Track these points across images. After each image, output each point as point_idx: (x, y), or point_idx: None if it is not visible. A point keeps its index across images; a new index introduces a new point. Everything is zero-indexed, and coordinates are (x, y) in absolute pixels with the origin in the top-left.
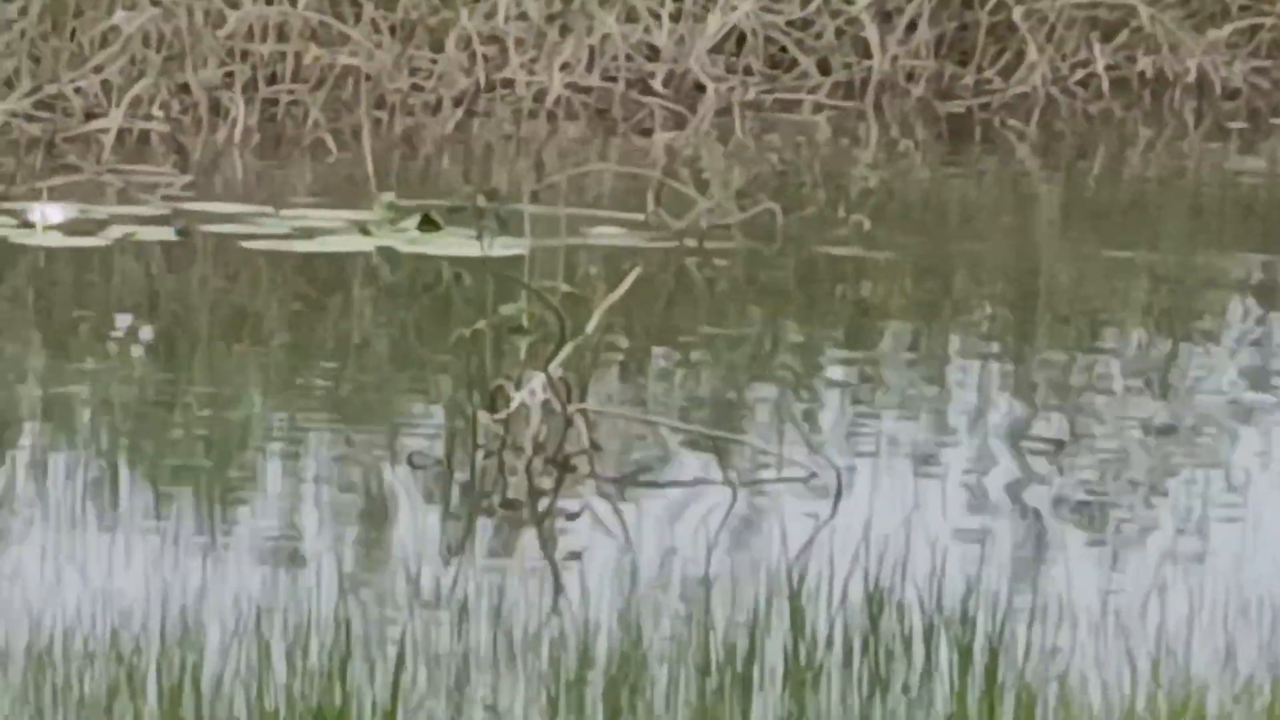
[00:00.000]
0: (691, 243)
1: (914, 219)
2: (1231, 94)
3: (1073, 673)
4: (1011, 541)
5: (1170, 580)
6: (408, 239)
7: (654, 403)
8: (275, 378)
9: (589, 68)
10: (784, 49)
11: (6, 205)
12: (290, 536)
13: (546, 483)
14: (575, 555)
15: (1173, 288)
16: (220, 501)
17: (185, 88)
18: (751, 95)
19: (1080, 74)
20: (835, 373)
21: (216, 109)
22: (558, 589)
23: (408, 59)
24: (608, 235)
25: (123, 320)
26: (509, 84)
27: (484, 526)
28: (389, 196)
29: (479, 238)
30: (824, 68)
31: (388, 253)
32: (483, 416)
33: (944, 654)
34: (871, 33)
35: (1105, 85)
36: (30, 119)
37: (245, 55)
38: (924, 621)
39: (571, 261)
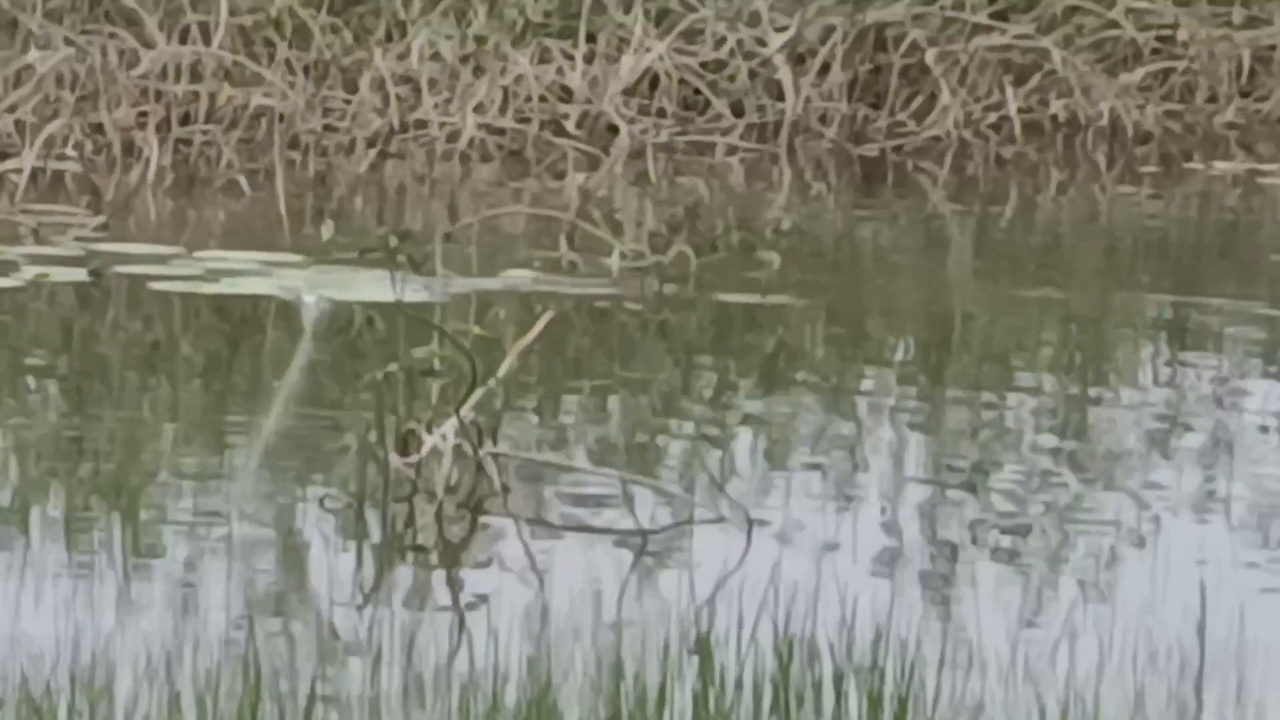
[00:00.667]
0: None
1: (827, 260)
2: (1144, 138)
3: (982, 719)
4: (922, 586)
5: (1080, 626)
6: (315, 283)
7: (566, 446)
8: (186, 420)
9: (502, 109)
10: (697, 91)
11: None
12: (201, 580)
13: (458, 527)
14: (486, 599)
15: (1084, 327)
16: (130, 544)
17: (99, 128)
18: (665, 137)
19: (993, 117)
20: (747, 416)
21: (130, 149)
22: (468, 633)
23: (321, 99)
24: (521, 279)
25: (33, 362)
26: (423, 125)
27: (395, 570)
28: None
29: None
30: (737, 110)
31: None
32: (394, 460)
33: (854, 701)
34: (785, 75)
35: (1018, 128)
36: None
37: (159, 95)
38: (834, 668)
39: (483, 305)
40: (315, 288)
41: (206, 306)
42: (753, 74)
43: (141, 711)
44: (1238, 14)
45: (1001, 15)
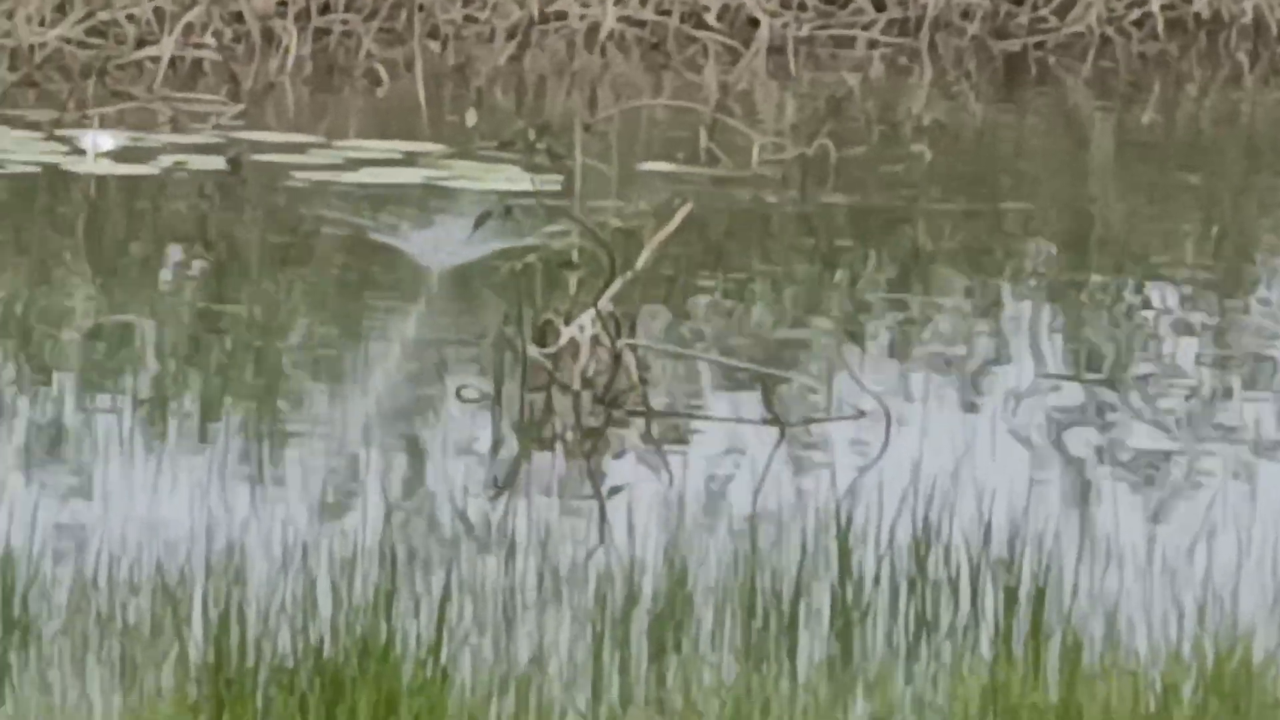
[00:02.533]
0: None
1: (969, 156)
2: None
3: (1119, 616)
4: (1060, 484)
5: (1219, 525)
6: (457, 171)
7: (704, 339)
8: (325, 310)
9: (643, 1)
10: None
11: (58, 132)
12: (338, 470)
13: (594, 419)
14: (622, 491)
15: (1228, 225)
16: (269, 433)
17: (238, 16)
18: (805, 31)
19: (1136, 13)
20: (888, 311)
21: (269, 37)
22: (604, 525)
23: None
24: (660, 170)
25: (174, 249)
26: (563, 16)
27: (531, 461)
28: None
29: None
30: (879, 4)
31: (434, 185)
32: (532, 351)
33: (990, 596)
34: None
35: (1160, 25)
36: (82, 45)
37: None
38: (970, 563)
39: (623, 196)
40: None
41: (343, 194)
42: None
43: (277, 600)
44: None
45: None
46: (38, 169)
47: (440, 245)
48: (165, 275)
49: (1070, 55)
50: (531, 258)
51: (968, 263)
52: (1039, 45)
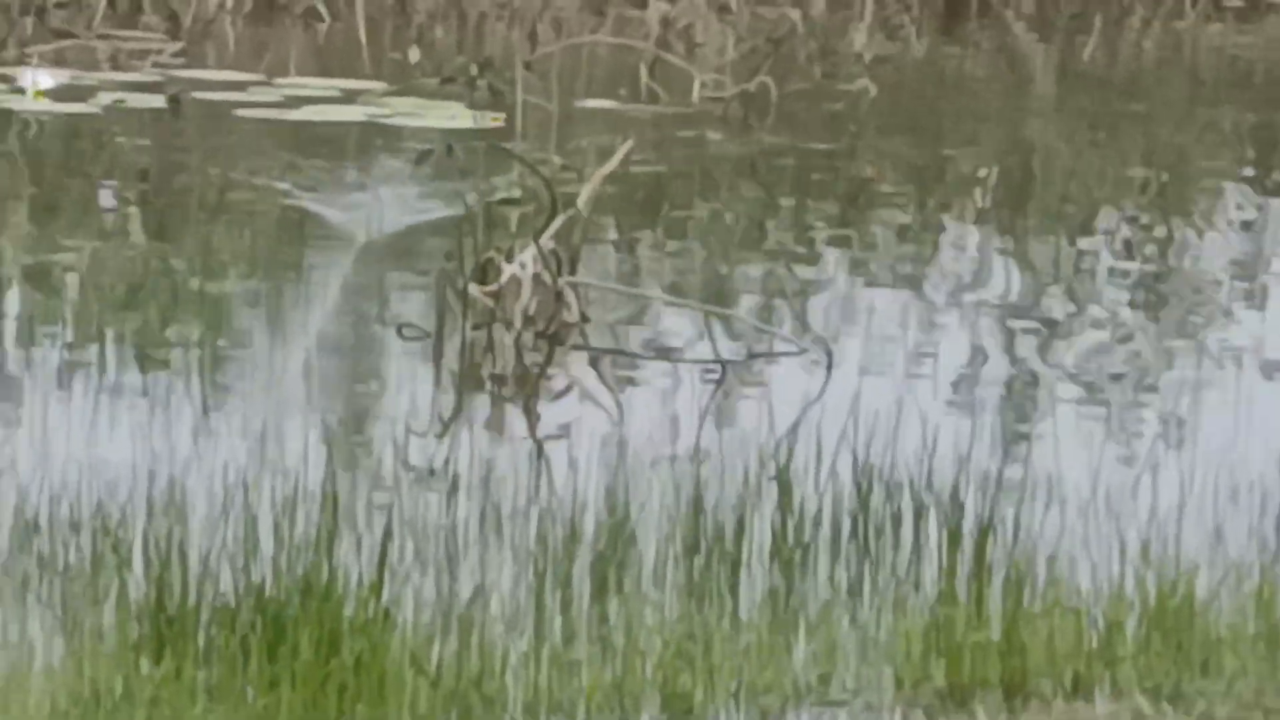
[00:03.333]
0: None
1: (910, 91)
2: None
3: (1062, 554)
4: (1002, 420)
5: (1161, 462)
6: (398, 109)
7: (645, 276)
8: (264, 247)
9: None
10: None
11: None
12: (278, 409)
13: (536, 356)
14: (564, 429)
15: (1168, 157)
16: (208, 371)
17: None
18: None
19: None
20: (827, 249)
21: None
22: (545, 464)
23: None
24: (601, 107)
25: (111, 188)
26: None
27: (473, 400)
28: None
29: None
30: None
31: (376, 124)
32: (473, 289)
33: (933, 533)
34: None
35: None
36: None
37: None
38: (913, 500)
39: (563, 134)
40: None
41: (287, 133)
42: None
43: (218, 539)
44: None
45: None
46: None
47: (371, 210)
48: (105, 215)
49: None
50: (472, 196)
51: (911, 200)
52: None
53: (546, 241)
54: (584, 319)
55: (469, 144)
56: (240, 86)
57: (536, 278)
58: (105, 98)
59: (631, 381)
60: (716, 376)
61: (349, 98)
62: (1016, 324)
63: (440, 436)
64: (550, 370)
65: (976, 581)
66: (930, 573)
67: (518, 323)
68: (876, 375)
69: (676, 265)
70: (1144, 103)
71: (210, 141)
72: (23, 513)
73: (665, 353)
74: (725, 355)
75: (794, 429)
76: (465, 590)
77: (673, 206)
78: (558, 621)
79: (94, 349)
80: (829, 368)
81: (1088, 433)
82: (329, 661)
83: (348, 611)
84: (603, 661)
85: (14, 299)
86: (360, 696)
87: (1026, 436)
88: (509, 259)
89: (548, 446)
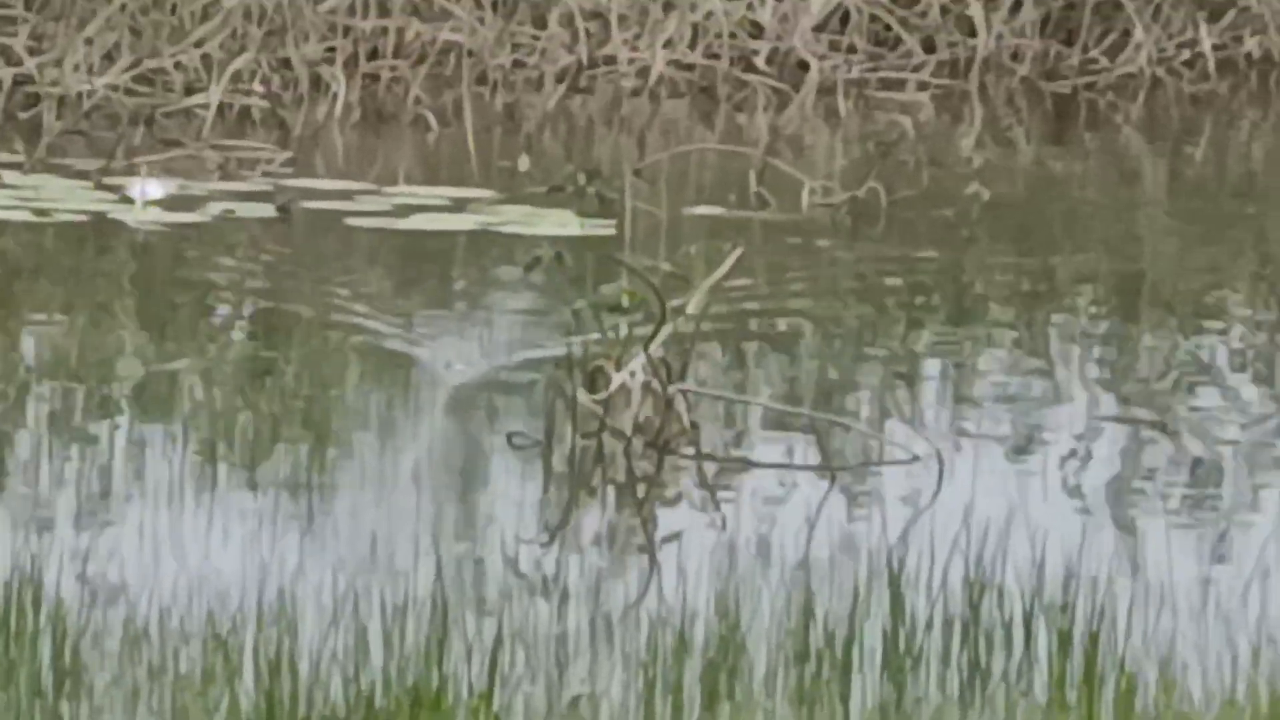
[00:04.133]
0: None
1: (1020, 197)
2: None
3: (1173, 660)
4: (1112, 527)
5: (1272, 567)
6: (508, 217)
7: (754, 384)
8: (376, 359)
9: (692, 45)
10: (888, 27)
11: (107, 181)
12: (389, 518)
13: (646, 464)
14: (673, 538)
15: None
16: (319, 482)
17: (286, 62)
18: (855, 74)
19: (1186, 54)
20: (937, 356)
21: (317, 84)
22: (656, 572)
23: (510, 34)
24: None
25: (224, 298)
26: (611, 60)
27: (582, 508)
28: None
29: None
30: (929, 46)
31: (487, 232)
32: (582, 396)
33: (1043, 640)
34: (977, 10)
35: (1211, 65)
36: (130, 93)
37: (347, 30)
38: (1024, 607)
39: (673, 241)
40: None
41: (398, 243)
42: (944, 9)
43: (329, 648)
44: None
45: None
46: (86, 218)
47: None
48: (215, 324)
49: (1121, 96)
50: (581, 303)
51: (1020, 306)
52: (1089, 86)
53: (656, 350)
54: (693, 426)
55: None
56: (349, 195)
57: (646, 385)
58: (215, 207)
59: (741, 489)
60: (827, 484)
61: (458, 205)
62: (1127, 430)
63: (549, 544)
64: (660, 478)
65: (1087, 688)
66: (1041, 680)
67: (627, 431)
68: (987, 482)
69: (786, 371)
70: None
71: (323, 250)
72: (133, 622)
73: (775, 460)
74: (835, 462)
75: (904, 536)
76: (575, 699)
77: (782, 312)
78: None
79: (205, 460)
80: (940, 475)
81: (1197, 537)
82: None
83: None
84: None
85: (126, 411)
86: None
87: (1137, 541)
88: (618, 367)
89: (657, 555)
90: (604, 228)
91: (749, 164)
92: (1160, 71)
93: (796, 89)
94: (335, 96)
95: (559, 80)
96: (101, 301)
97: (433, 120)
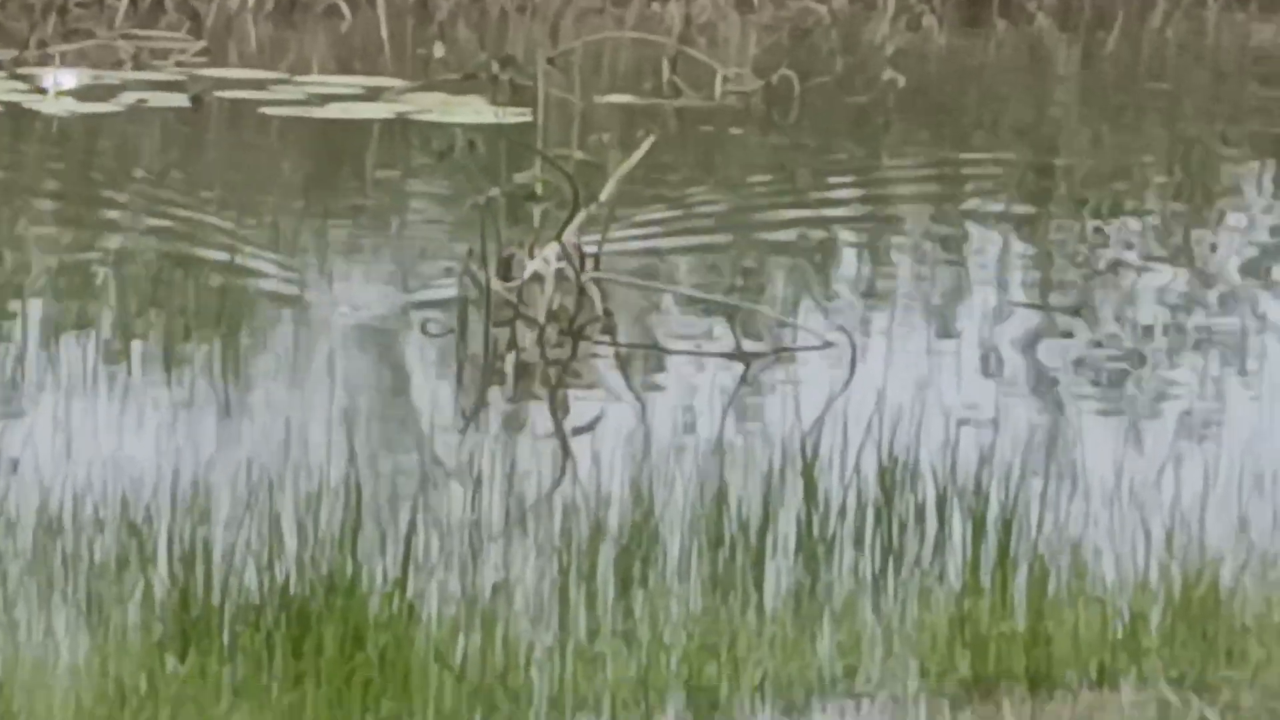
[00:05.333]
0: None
1: (935, 82)
2: None
3: (1086, 544)
4: (1026, 413)
5: (1185, 452)
6: (422, 105)
7: (668, 271)
8: (287, 243)
9: None
10: None
11: (19, 71)
12: (301, 405)
13: (559, 352)
14: (588, 425)
15: (1191, 148)
16: (232, 369)
17: None
18: None
19: None
20: (851, 243)
21: None
22: (570, 459)
23: None
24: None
25: (135, 186)
26: None
27: (496, 395)
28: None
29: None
30: None
31: (402, 119)
32: (496, 284)
33: (957, 525)
34: None
35: None
36: None
37: None
38: (937, 492)
39: (586, 128)
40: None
41: (312, 130)
42: None
43: (242, 536)
44: None
45: None
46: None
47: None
48: (129, 212)
49: None
50: (495, 191)
51: (934, 192)
52: None
53: (569, 237)
54: (607, 314)
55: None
56: (262, 85)
57: (559, 273)
58: (128, 97)
59: (655, 376)
60: (741, 370)
61: (373, 94)
62: (1041, 315)
63: (463, 432)
64: (574, 366)
65: (1001, 572)
66: (955, 564)
67: (541, 318)
68: (900, 368)
69: (700, 259)
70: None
71: (235, 139)
72: (47, 512)
73: (689, 348)
74: (749, 349)
75: (818, 422)
76: (490, 585)
77: (696, 200)
78: (582, 616)
79: (117, 347)
80: (853, 360)
81: (1111, 424)
82: (353, 657)
83: (372, 607)
84: (628, 655)
85: (37, 301)
86: (385, 692)
87: (1050, 428)
88: (531, 255)
89: (571, 442)
90: (518, 115)
91: (663, 52)
92: None
93: None
94: None
95: None
96: (15, 190)
97: (346, 9)
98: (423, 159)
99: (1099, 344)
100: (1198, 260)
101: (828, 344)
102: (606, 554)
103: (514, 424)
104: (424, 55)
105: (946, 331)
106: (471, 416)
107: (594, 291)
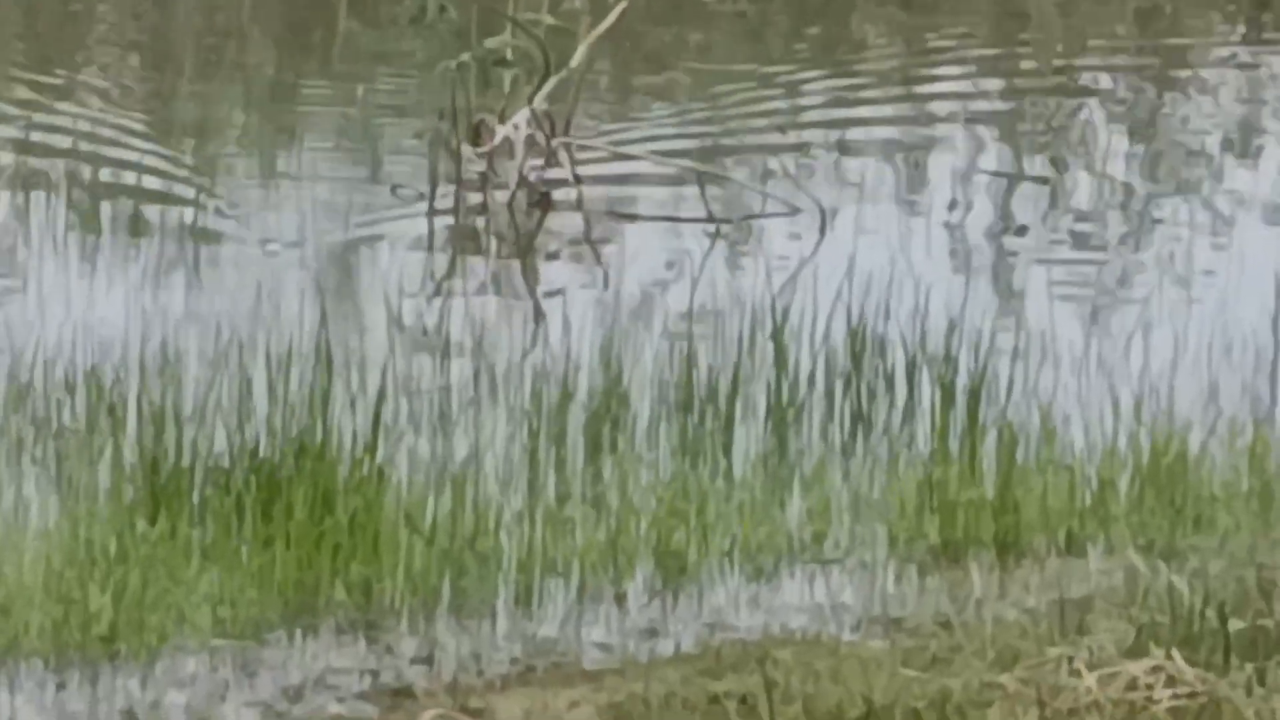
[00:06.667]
0: None
1: None
2: None
3: (1055, 411)
4: (995, 279)
5: (1154, 319)
6: None
7: (639, 137)
8: (257, 101)
9: None
10: None
11: None
12: (272, 268)
13: (530, 217)
14: (557, 290)
15: (1160, 16)
16: (200, 229)
17: None
18: None
19: None
20: (821, 108)
21: None
22: (540, 324)
23: None
24: None
25: (101, 33)
26: None
27: (466, 260)
28: None
29: None
30: None
31: None
32: (466, 149)
33: (926, 392)
34: None
35: None
36: None
37: None
38: (906, 359)
39: None
40: None
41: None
42: None
43: (212, 399)
44: None
45: None
46: None
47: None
48: (99, 54)
49: None
50: (465, 56)
51: (904, 57)
52: None
53: (540, 102)
54: (577, 180)
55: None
56: None
57: (530, 139)
58: None
59: (625, 242)
60: (711, 236)
61: None
62: (1010, 183)
63: (433, 297)
64: (544, 231)
65: (969, 439)
66: (923, 431)
67: (511, 184)
68: (870, 234)
69: (670, 125)
70: None
71: None
72: (16, 375)
73: (659, 214)
74: (719, 215)
75: (788, 288)
76: (460, 450)
77: (667, 66)
78: (552, 480)
79: (86, 208)
80: (822, 228)
81: (1081, 291)
82: (323, 521)
83: (342, 471)
84: (597, 520)
85: (6, 159)
86: (355, 555)
87: (1019, 295)
88: (502, 120)
89: (542, 307)
90: None
91: None
92: None
93: None
94: None
95: None
96: None
97: None
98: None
99: (1068, 214)
100: (1167, 129)
101: (796, 210)
102: (576, 419)
103: (484, 289)
104: None
105: (916, 198)
106: (441, 281)
107: (564, 157)
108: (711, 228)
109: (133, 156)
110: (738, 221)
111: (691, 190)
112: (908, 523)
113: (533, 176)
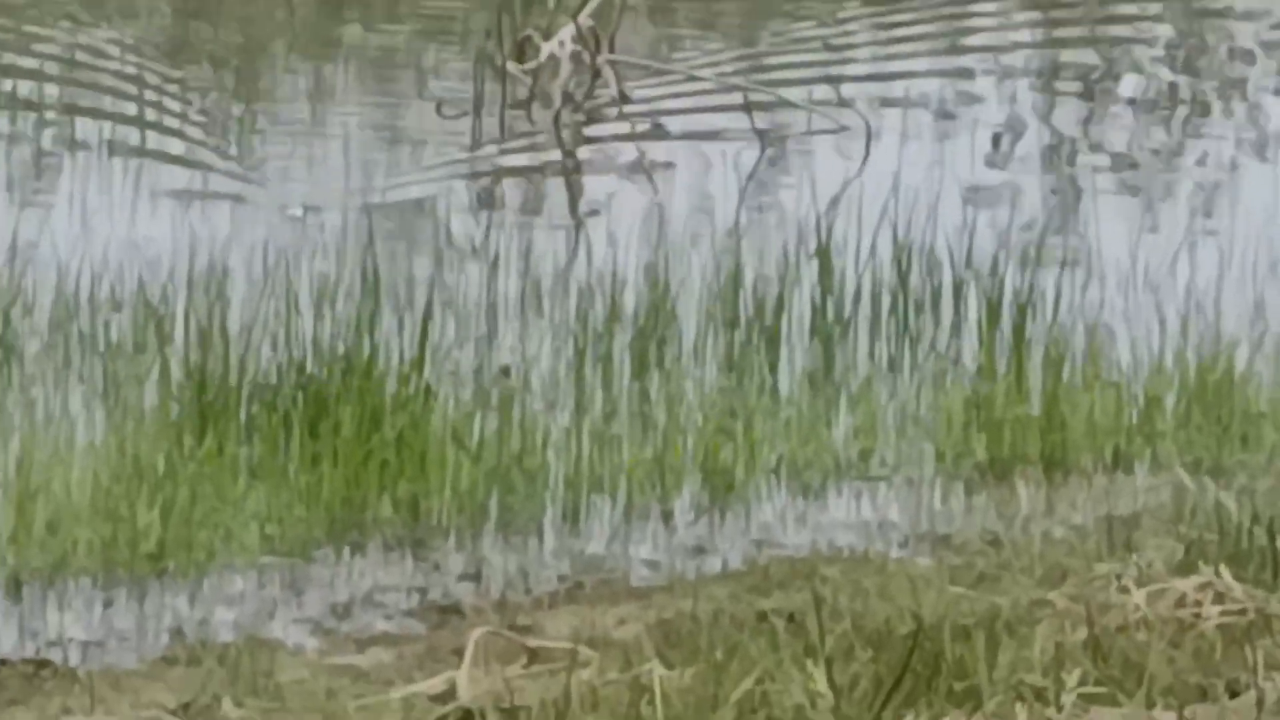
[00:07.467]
0: None
1: None
2: None
3: (1101, 327)
4: (1041, 196)
5: (1200, 236)
6: None
7: (684, 53)
8: (302, 26)
9: None
10: None
11: None
12: (318, 185)
13: (574, 134)
14: (603, 207)
15: None
16: (248, 149)
17: None
18: None
19: None
20: (866, 26)
21: None
22: (585, 241)
23: None
24: None
25: None
26: None
27: (511, 177)
28: None
29: None
30: None
31: None
32: (511, 66)
33: (973, 308)
34: None
35: None
36: None
37: None
38: (953, 276)
39: None
40: None
41: None
42: None
43: (260, 317)
44: None
45: None
46: None
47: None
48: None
49: None
50: None
51: None
52: None
53: (585, 19)
54: (623, 97)
55: None
56: None
57: (575, 55)
58: None
59: (671, 158)
60: (758, 153)
61: None
62: (1056, 98)
63: (478, 214)
64: (589, 148)
65: (1016, 356)
66: (970, 348)
67: (556, 100)
68: (915, 151)
69: (717, 42)
70: None
71: None
72: (64, 292)
73: (704, 130)
74: (764, 131)
75: (834, 206)
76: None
77: None
78: (598, 398)
79: (133, 130)
80: (868, 143)
81: (1127, 208)
82: (370, 438)
83: (389, 388)
84: (643, 437)
85: (53, 80)
86: (402, 473)
87: (1065, 210)
88: (547, 37)
89: (588, 224)
90: None
91: None
92: None
93: None
94: None
95: None
96: None
97: None
98: None
99: (1113, 130)
100: (1209, 47)
101: (843, 128)
102: (622, 336)
103: (529, 206)
104: None
105: (961, 114)
106: (486, 198)
107: (609, 74)
108: (757, 146)
109: (178, 73)
110: (783, 139)
111: (737, 108)
112: (954, 440)
113: (578, 93)
